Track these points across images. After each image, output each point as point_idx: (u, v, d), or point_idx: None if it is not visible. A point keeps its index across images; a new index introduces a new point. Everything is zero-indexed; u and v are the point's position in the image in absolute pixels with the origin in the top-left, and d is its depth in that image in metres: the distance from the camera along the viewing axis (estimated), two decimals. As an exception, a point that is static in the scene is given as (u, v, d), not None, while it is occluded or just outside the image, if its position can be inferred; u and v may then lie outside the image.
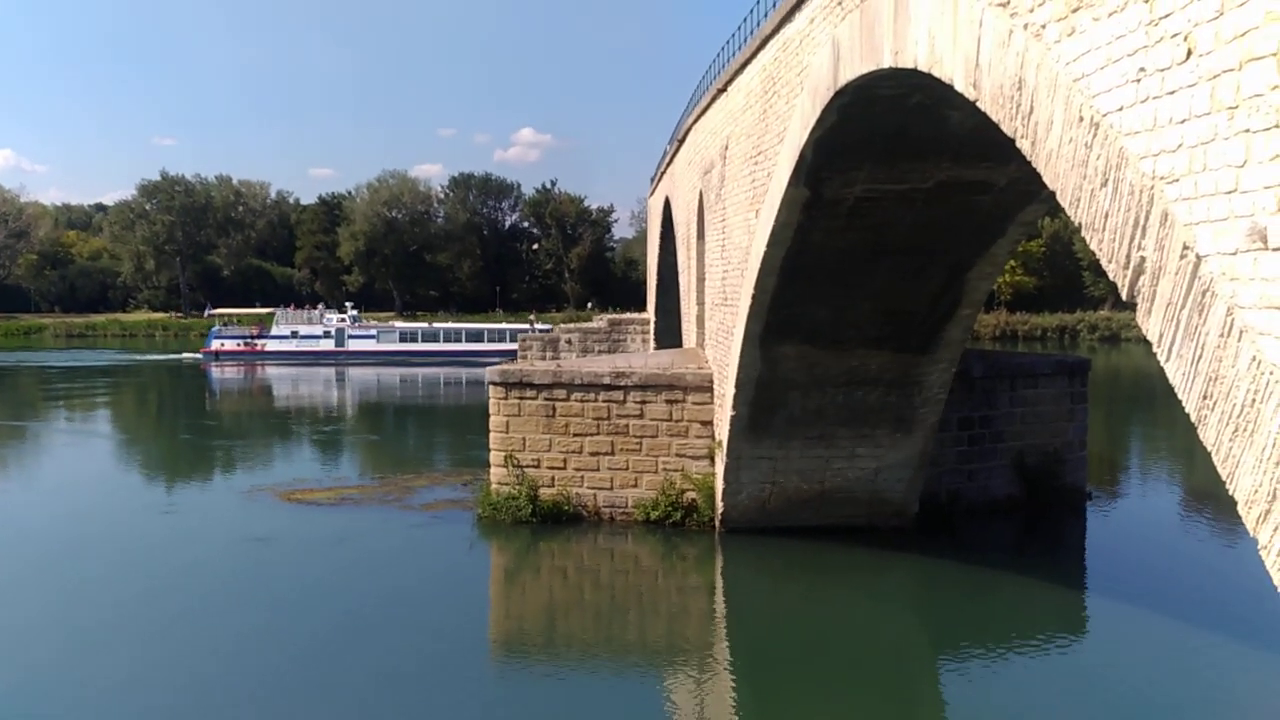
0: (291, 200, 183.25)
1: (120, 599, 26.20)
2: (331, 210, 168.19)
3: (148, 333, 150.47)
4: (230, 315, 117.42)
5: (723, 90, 32.79)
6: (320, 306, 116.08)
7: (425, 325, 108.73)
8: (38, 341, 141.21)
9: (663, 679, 21.70)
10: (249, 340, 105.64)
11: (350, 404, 76.64)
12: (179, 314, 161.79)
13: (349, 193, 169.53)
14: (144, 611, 25.27)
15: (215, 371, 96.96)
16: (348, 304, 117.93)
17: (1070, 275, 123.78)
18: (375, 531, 32.72)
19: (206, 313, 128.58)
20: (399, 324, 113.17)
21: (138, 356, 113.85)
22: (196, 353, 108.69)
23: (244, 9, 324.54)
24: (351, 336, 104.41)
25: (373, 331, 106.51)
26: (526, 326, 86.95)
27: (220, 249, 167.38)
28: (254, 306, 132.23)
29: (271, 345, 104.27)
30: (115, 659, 22.07)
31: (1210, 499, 34.17)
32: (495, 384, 32.32)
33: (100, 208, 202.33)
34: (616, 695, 20.91)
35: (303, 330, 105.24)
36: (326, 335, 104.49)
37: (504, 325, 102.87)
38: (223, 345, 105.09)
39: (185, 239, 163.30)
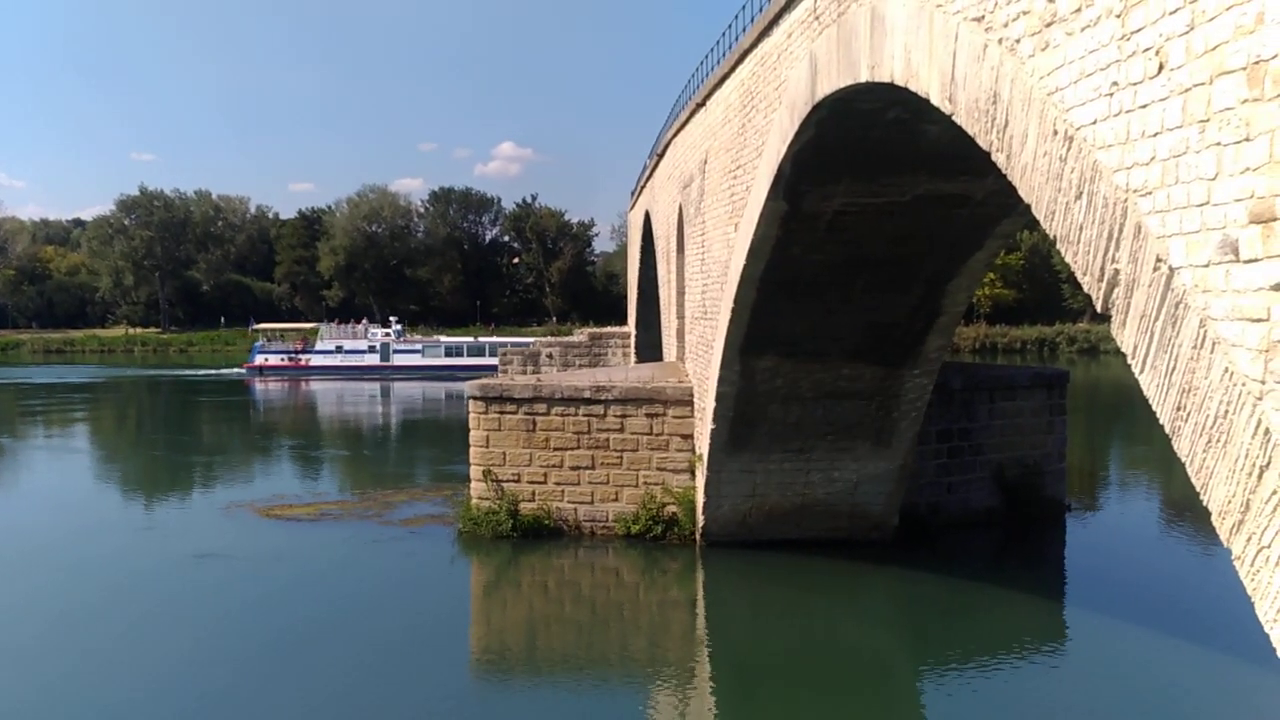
0: (271, 215, 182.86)
1: (83, 615, 25.97)
2: (311, 225, 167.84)
3: (126, 348, 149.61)
4: (274, 330, 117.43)
5: (701, 104, 32.87)
6: (364, 321, 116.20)
7: (470, 340, 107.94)
8: (15, 357, 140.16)
9: (644, 693, 21.64)
10: (293, 355, 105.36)
11: (376, 419, 76.38)
12: (158, 329, 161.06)
13: (329, 207, 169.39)
14: (111, 627, 25.08)
15: (259, 386, 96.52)
16: (392, 319, 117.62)
17: (1049, 288, 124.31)
18: (354, 547, 32.54)
19: (251, 327, 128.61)
20: (444, 338, 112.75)
21: (185, 371, 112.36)
22: (240, 367, 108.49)
23: (223, 24, 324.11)
24: (396, 351, 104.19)
25: (418, 346, 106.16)
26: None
27: (199, 264, 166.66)
28: (228, 321, 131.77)
29: (316, 360, 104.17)
30: (81, 675, 21.89)
31: (1187, 510, 34.31)
32: (475, 398, 32.26)
33: (78, 223, 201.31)
34: (598, 710, 20.84)
35: (347, 345, 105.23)
36: (371, 350, 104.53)
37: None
38: (266, 360, 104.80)
39: (164, 254, 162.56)
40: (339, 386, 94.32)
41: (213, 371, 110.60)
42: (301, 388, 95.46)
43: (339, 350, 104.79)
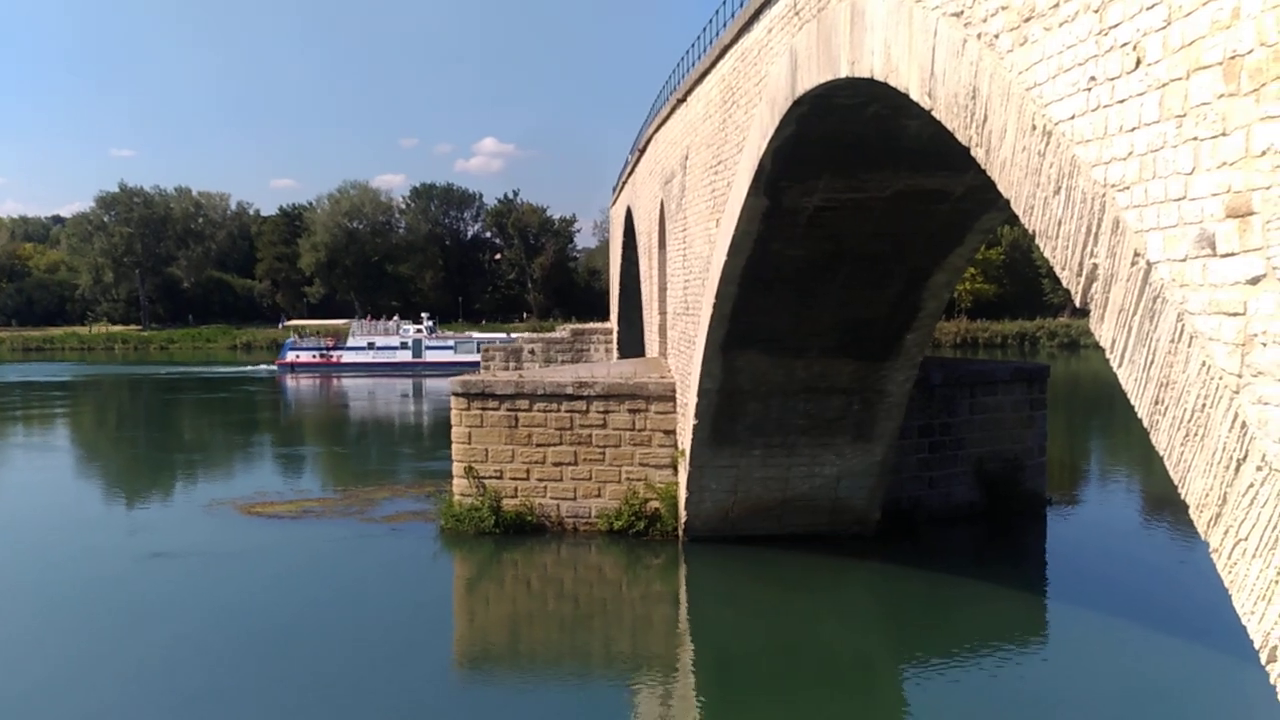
0: (252, 211, 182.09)
1: (56, 614, 25.82)
2: (292, 221, 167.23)
3: (107, 345, 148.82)
4: (306, 327, 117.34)
5: (683, 100, 32.86)
6: (395, 318, 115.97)
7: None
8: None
9: (627, 689, 21.65)
10: (324, 352, 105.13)
11: (393, 416, 75.90)
12: (139, 326, 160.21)
13: (310, 203, 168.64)
14: (84, 626, 24.90)
15: (290, 383, 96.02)
16: (424, 315, 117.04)
17: (1030, 283, 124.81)
18: (334, 544, 32.46)
19: (281, 324, 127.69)
20: (476, 334, 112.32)
21: (219, 368, 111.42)
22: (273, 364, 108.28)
23: (204, 21, 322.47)
24: (429, 348, 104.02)
25: (450, 342, 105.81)
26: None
27: (180, 261, 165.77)
28: (207, 318, 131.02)
29: (348, 357, 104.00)
30: (56, 674, 21.74)
31: (1166, 503, 34.46)
32: (457, 395, 32.23)
33: (58, 220, 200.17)
34: (580, 706, 20.85)
35: (379, 341, 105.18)
36: (404, 346, 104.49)
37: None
38: (298, 357, 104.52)
39: (144, 251, 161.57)
40: (370, 383, 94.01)
41: (247, 368, 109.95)
42: (333, 384, 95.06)
43: (371, 347, 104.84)
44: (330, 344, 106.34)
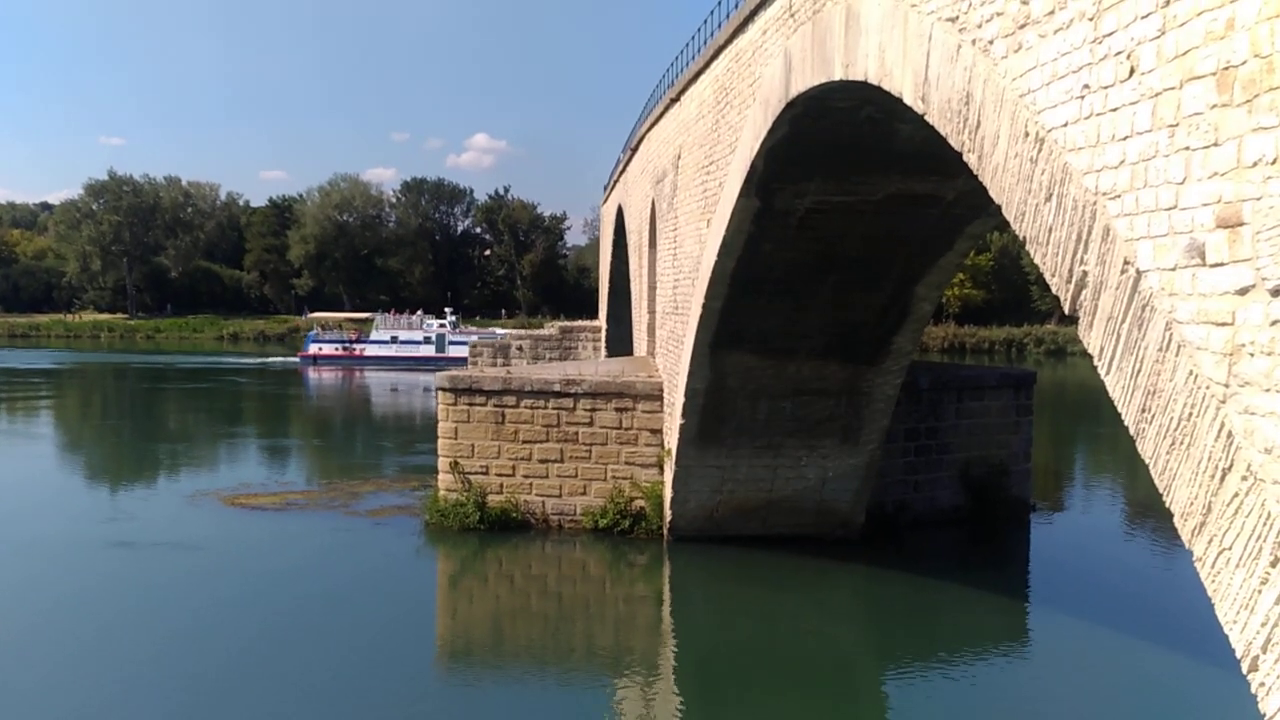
0: (241, 202, 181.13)
1: (45, 607, 25.68)
2: (282, 213, 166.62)
3: (93, 334, 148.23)
4: (328, 319, 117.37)
5: (676, 99, 32.86)
6: (419, 312, 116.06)
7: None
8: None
9: (609, 687, 21.64)
10: (347, 345, 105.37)
11: (401, 410, 75.60)
12: (125, 315, 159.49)
13: (300, 196, 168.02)
14: (73, 620, 24.75)
15: (312, 375, 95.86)
16: (447, 309, 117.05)
17: (1018, 289, 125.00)
18: (318, 538, 32.38)
19: (305, 315, 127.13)
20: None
21: (240, 359, 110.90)
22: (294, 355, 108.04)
23: (198, 10, 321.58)
24: (452, 342, 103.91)
25: (473, 337, 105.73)
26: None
27: (168, 250, 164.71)
28: (193, 308, 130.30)
29: (371, 350, 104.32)
30: (41, 666, 21.64)
31: (1151, 511, 34.58)
32: (444, 390, 32.16)
33: (46, 206, 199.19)
34: (563, 703, 20.84)
35: (402, 335, 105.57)
36: (427, 341, 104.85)
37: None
38: (320, 349, 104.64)
39: (132, 240, 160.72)
40: (393, 377, 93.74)
41: (270, 359, 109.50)
42: (355, 377, 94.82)
43: (394, 340, 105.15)
44: (353, 337, 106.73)
